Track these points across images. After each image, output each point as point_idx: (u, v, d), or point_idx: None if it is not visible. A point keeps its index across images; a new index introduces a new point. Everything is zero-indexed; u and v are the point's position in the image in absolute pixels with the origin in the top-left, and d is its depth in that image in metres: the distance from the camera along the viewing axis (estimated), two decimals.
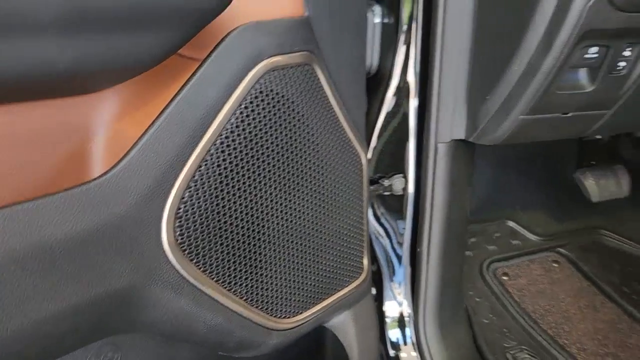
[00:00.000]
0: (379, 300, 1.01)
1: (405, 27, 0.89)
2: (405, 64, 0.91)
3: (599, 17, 0.69)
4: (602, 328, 1.09)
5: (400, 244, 0.99)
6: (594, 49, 0.75)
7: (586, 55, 0.75)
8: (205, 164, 0.60)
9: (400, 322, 1.00)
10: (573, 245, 1.36)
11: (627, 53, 0.77)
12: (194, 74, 0.59)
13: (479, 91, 0.84)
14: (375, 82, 0.97)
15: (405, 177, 0.96)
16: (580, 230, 1.41)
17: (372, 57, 0.94)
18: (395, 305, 1.00)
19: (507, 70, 0.78)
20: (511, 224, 1.40)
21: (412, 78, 0.91)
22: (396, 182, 0.96)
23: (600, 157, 1.39)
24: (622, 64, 0.78)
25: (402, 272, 1.00)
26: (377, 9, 0.93)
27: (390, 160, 0.99)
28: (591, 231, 1.41)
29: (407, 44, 0.90)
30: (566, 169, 1.40)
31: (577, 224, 1.42)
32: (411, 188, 0.96)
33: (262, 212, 0.68)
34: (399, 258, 1.00)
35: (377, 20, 0.93)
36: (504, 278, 1.23)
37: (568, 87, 0.79)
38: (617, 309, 1.13)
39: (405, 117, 0.93)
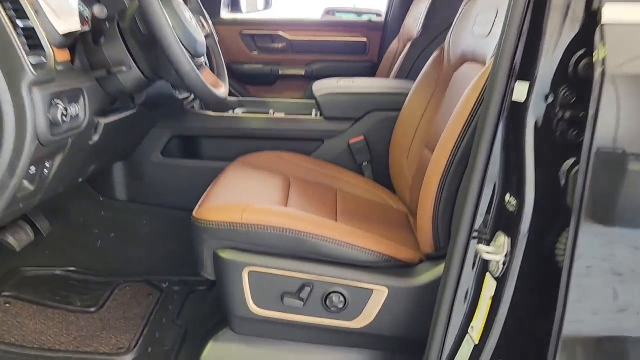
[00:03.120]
0: None
1: None
2: None
3: (38, 153, 1.23)
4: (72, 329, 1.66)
5: None
6: (33, 168, 1.28)
7: (30, 172, 1.27)
8: None
9: None
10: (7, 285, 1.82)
11: (48, 164, 1.35)
12: None
13: None
14: None
15: None
16: (10, 272, 1.88)
17: None
18: None
19: None
20: None
21: None
22: None
23: None
24: (46, 171, 1.35)
25: None
26: None
27: None
28: (16, 271, 1.91)
29: None
30: None
31: (6, 269, 1.88)
32: None
33: None
34: None
35: None
36: None
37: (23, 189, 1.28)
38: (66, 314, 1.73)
39: None
